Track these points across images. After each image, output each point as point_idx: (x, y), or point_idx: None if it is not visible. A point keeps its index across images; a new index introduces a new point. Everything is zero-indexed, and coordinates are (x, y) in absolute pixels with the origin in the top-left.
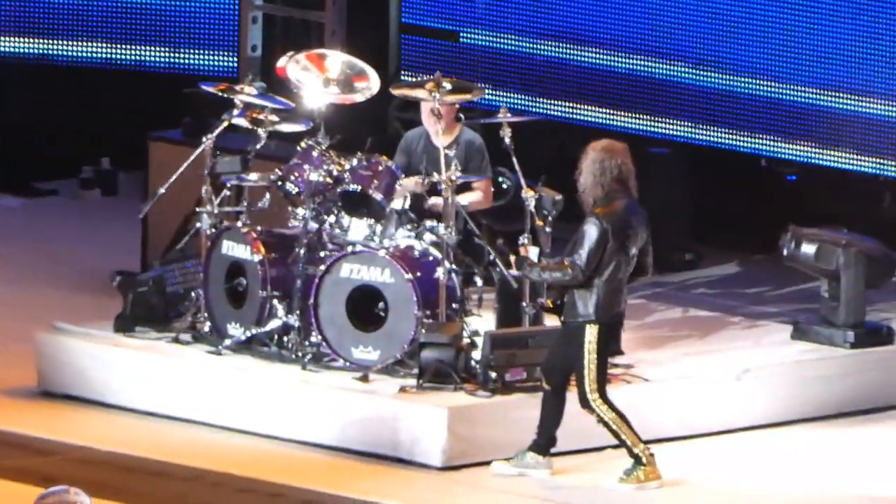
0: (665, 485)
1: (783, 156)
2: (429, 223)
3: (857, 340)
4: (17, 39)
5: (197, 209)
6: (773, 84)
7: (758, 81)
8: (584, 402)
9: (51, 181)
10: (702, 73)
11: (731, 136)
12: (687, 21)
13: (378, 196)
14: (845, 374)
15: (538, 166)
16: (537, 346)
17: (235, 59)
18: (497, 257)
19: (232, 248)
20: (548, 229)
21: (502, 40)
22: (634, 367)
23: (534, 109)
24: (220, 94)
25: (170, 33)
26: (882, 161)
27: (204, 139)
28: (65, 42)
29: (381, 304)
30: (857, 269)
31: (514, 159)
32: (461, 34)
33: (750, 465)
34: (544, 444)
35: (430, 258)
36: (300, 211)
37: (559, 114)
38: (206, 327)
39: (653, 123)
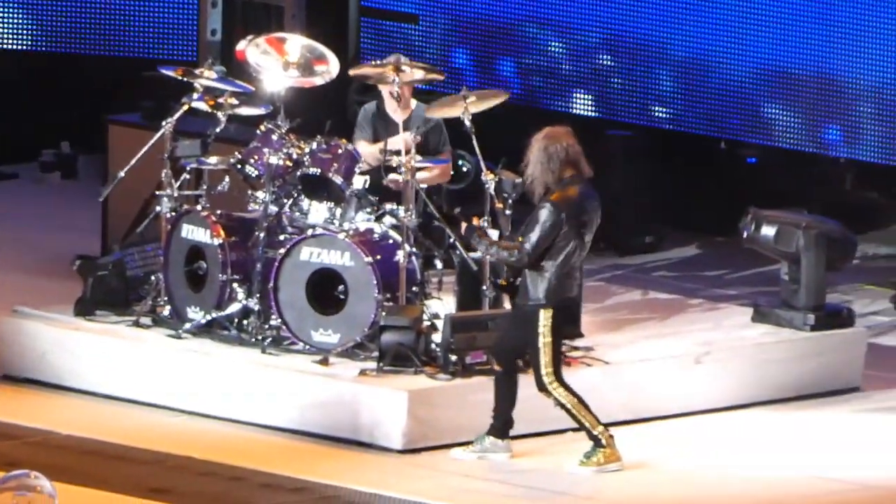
0: (625, 467)
1: (743, 138)
2: (388, 206)
3: (817, 323)
4: None
5: (157, 193)
6: (732, 65)
7: (717, 63)
8: (541, 387)
9: (10, 165)
10: (662, 54)
11: (690, 119)
12: (648, 3)
13: (338, 179)
14: (805, 356)
15: (498, 149)
16: (497, 328)
17: (195, 42)
18: (449, 227)
19: (192, 232)
20: (507, 212)
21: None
22: (594, 349)
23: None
24: (179, 77)
25: (130, 17)
26: (842, 143)
27: (163, 123)
28: (25, 26)
29: (340, 288)
30: (818, 251)
31: (475, 142)
32: (421, 16)
33: (710, 448)
34: (501, 426)
35: (390, 241)
36: (260, 194)
37: (520, 96)
38: (167, 311)
39: (613, 106)
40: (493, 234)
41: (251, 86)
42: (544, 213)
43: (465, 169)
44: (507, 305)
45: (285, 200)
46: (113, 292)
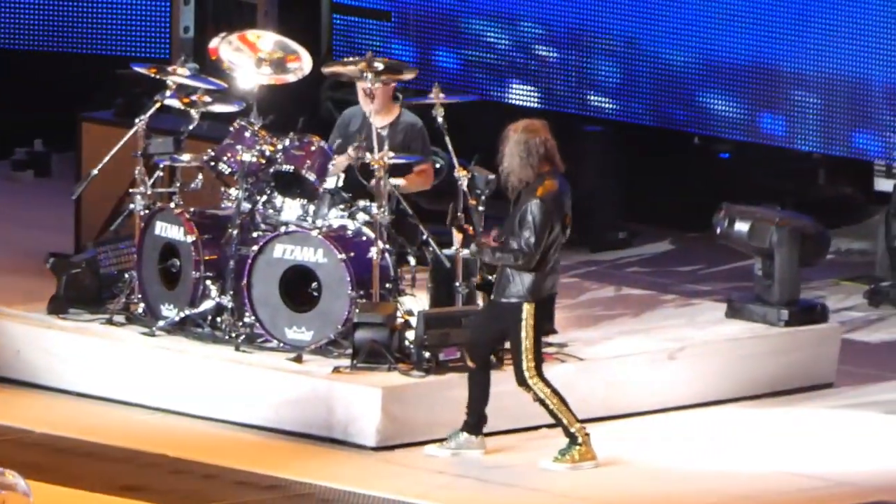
0: (600, 464)
1: (716, 133)
2: (362, 203)
3: (791, 318)
4: None
5: (130, 190)
6: (705, 61)
7: (690, 58)
8: (521, 381)
9: None
10: (635, 50)
11: (664, 114)
12: None
13: (311, 176)
14: (779, 352)
15: (471, 146)
16: (471, 324)
17: (168, 40)
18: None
19: (165, 230)
20: (481, 208)
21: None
22: (568, 346)
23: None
24: (152, 75)
25: (102, 14)
26: (816, 138)
27: (136, 120)
28: None
29: (314, 285)
30: (791, 246)
31: (447, 139)
32: (393, 13)
33: (684, 444)
34: (475, 423)
35: (364, 238)
36: (233, 191)
37: (492, 93)
38: (140, 308)
39: (586, 102)
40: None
41: (224, 83)
42: (536, 211)
43: (437, 166)
44: (481, 303)
45: (258, 197)
46: (86, 290)
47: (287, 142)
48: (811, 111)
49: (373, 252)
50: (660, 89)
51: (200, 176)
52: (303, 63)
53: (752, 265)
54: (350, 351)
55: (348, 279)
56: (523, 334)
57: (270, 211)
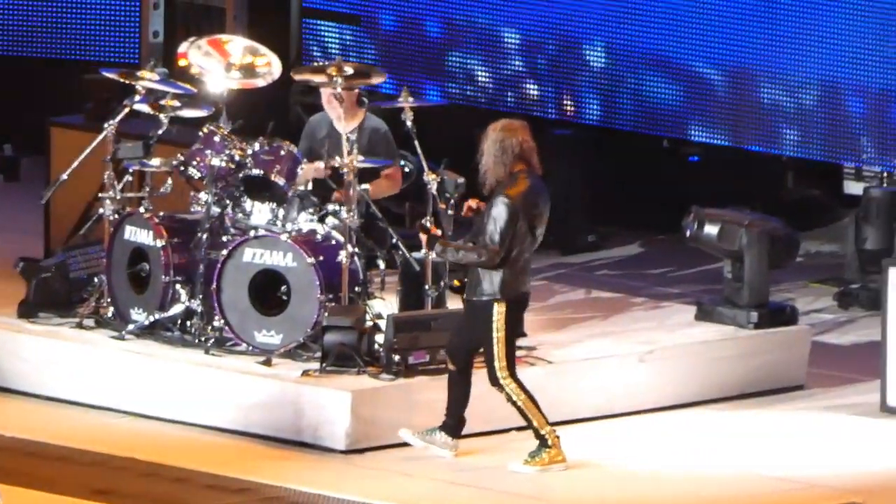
0: (570, 467)
1: (685, 136)
2: (331, 207)
3: (760, 321)
4: None
5: (99, 195)
6: (676, 63)
7: (660, 60)
8: (494, 381)
9: None
10: (605, 53)
11: (632, 117)
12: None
13: (280, 180)
14: (749, 354)
15: (440, 149)
16: (440, 328)
17: (137, 45)
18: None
19: (134, 234)
20: (450, 212)
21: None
22: (538, 348)
23: (436, 93)
24: (121, 80)
25: (72, 19)
26: (785, 141)
27: (106, 125)
28: None
29: (283, 288)
30: (761, 249)
31: (416, 142)
32: (363, 18)
33: (654, 447)
34: (454, 424)
35: (333, 242)
36: (202, 196)
37: (461, 97)
38: (110, 312)
39: (556, 104)
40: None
41: (193, 88)
42: (500, 209)
43: (406, 170)
44: (450, 305)
45: (228, 202)
46: (56, 294)
47: (256, 146)
48: (780, 114)
49: (342, 256)
50: (628, 92)
51: (170, 180)
52: (272, 67)
53: (721, 268)
54: (319, 354)
55: (317, 283)
56: (494, 334)
57: (240, 215)
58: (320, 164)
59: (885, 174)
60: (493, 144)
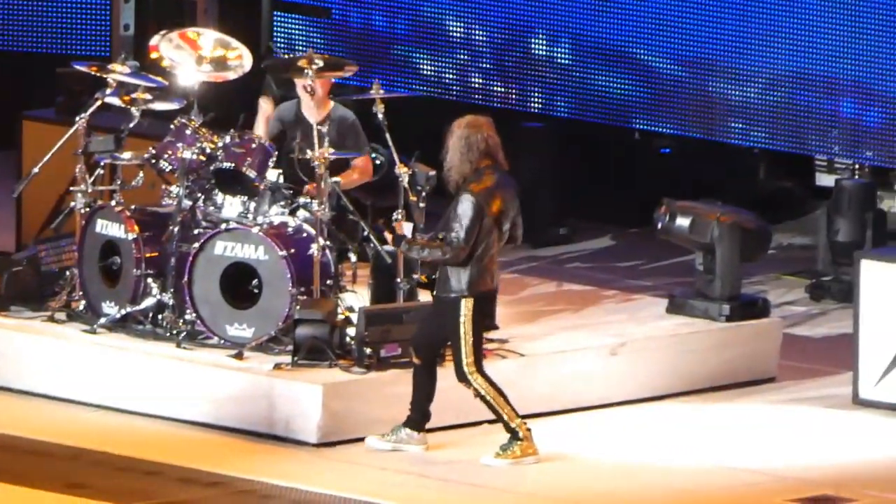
0: (541, 460)
1: (656, 129)
2: (302, 199)
3: (732, 314)
4: None
5: (71, 188)
6: (646, 55)
7: (631, 52)
8: (461, 376)
9: None
10: (574, 46)
11: (603, 109)
12: None
13: (251, 173)
14: (721, 347)
15: (411, 142)
16: (412, 321)
17: (108, 38)
18: (372, 236)
19: (106, 227)
20: (421, 205)
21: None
22: (509, 341)
23: (407, 85)
24: (93, 73)
25: (43, 12)
26: (756, 134)
27: (77, 118)
28: None
29: (255, 282)
30: (732, 241)
31: (388, 135)
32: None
33: (626, 439)
34: (419, 419)
35: (304, 234)
36: (174, 189)
37: (432, 89)
38: (81, 306)
39: (526, 97)
40: (407, 227)
41: (164, 80)
42: (465, 205)
43: (378, 162)
44: (421, 298)
45: (199, 195)
46: (27, 288)
47: (227, 139)
48: (752, 106)
49: (313, 248)
50: (598, 84)
51: (141, 174)
52: (243, 60)
53: (693, 260)
54: (291, 348)
55: (289, 276)
56: (462, 330)
57: (211, 208)
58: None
59: (856, 166)
60: (458, 141)
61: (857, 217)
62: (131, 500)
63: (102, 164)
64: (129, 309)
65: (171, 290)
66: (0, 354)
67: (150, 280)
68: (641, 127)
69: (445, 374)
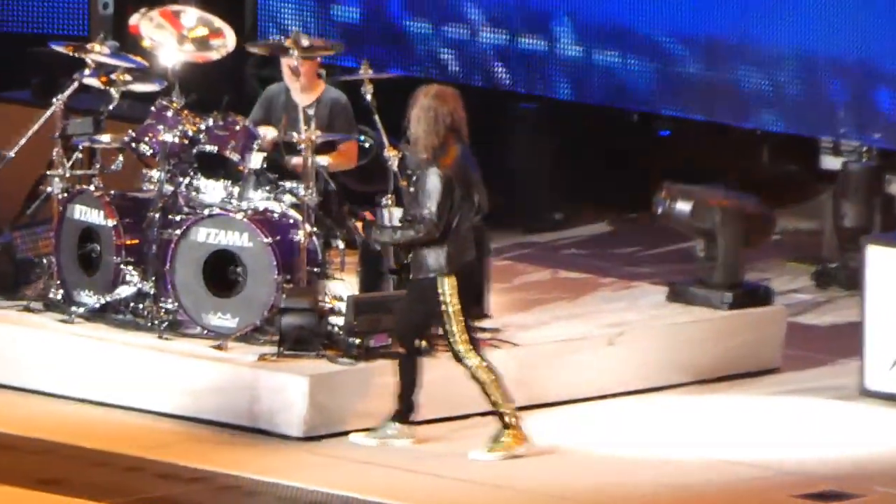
0: (536, 452)
1: (656, 110)
2: (288, 184)
3: (734, 301)
4: None
5: (48, 173)
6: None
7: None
8: (456, 356)
9: None
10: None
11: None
12: None
13: (235, 157)
14: (722, 336)
15: (401, 124)
16: (396, 309)
17: (87, 17)
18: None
19: (84, 213)
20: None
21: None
22: (502, 331)
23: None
24: (70, 53)
25: None
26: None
27: (54, 100)
28: None
29: (238, 269)
30: (735, 227)
31: (377, 117)
32: None
33: (624, 432)
34: (405, 411)
35: (290, 220)
36: (154, 173)
37: (423, 70)
38: (58, 295)
39: (522, 78)
40: (397, 212)
41: (145, 61)
42: (435, 181)
43: (366, 145)
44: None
45: (181, 179)
46: (2, 276)
47: (210, 121)
48: (755, 87)
49: (299, 235)
50: (596, 65)
51: (121, 157)
52: (226, 40)
53: (693, 247)
54: (276, 338)
55: (274, 263)
56: (447, 308)
57: (193, 193)
58: (278, 134)
59: (864, 148)
60: (426, 112)
61: (864, 201)
62: (109, 497)
63: (80, 147)
64: (108, 298)
65: (152, 278)
66: None
67: (129, 268)
68: (640, 108)
69: (435, 367)
